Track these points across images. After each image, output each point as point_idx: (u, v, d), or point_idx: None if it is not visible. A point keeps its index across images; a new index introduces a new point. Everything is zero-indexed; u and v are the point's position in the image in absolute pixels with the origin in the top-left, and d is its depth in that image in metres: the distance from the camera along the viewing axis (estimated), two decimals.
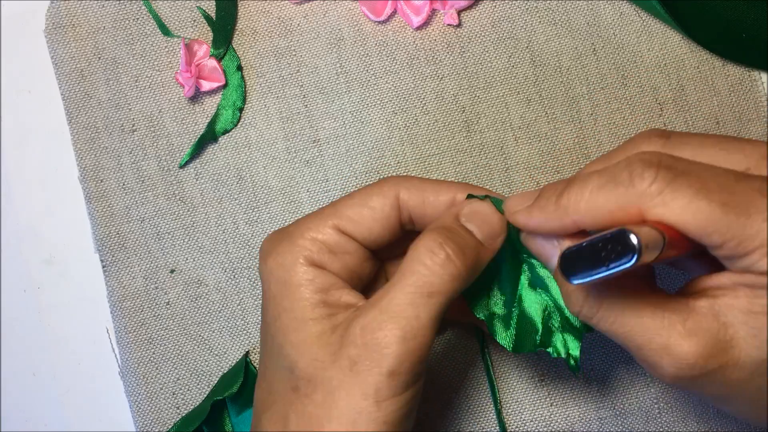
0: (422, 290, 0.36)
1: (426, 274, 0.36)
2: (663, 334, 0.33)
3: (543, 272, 0.40)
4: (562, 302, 0.39)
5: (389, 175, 0.49)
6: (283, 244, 0.39)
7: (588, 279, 0.32)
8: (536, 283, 0.40)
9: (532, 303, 0.40)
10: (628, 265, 0.31)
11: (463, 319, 0.47)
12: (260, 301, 0.49)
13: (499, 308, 0.40)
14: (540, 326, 0.40)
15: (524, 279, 0.40)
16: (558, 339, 0.40)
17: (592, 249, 0.32)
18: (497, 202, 0.39)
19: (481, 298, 0.40)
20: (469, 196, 0.40)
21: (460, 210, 0.39)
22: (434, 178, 0.49)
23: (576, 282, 0.33)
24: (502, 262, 0.40)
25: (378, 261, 0.42)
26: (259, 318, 0.49)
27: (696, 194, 0.32)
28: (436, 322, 0.36)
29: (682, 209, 0.32)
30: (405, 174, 0.49)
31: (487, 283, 0.40)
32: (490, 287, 0.40)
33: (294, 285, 0.38)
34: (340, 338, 0.36)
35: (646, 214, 0.33)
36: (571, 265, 0.33)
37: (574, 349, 0.39)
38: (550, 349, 0.39)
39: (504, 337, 0.39)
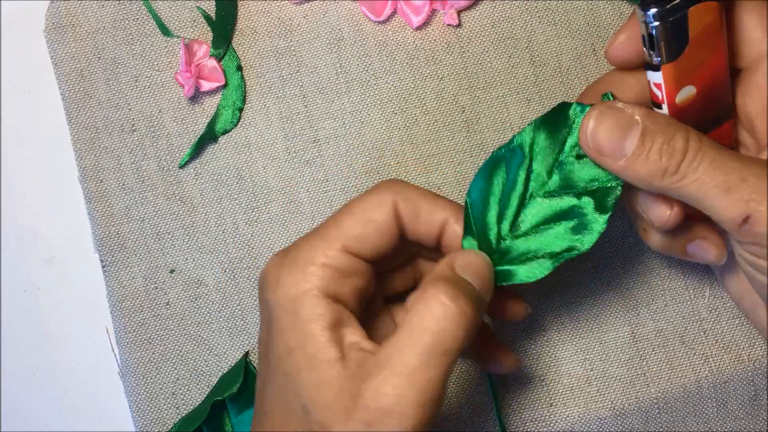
0: (436, 350, 0.34)
1: (438, 332, 0.34)
2: None
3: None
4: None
5: (389, 175, 0.49)
6: (292, 273, 0.37)
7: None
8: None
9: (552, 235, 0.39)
10: None
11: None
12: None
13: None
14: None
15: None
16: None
17: None
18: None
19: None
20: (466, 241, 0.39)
21: (454, 261, 0.37)
22: (434, 177, 0.49)
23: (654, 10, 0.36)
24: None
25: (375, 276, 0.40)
26: (259, 318, 0.49)
27: None
28: (449, 376, 0.35)
29: None
30: (403, 179, 0.49)
31: None
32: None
33: (304, 320, 0.36)
34: (350, 396, 0.34)
35: None
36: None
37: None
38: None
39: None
